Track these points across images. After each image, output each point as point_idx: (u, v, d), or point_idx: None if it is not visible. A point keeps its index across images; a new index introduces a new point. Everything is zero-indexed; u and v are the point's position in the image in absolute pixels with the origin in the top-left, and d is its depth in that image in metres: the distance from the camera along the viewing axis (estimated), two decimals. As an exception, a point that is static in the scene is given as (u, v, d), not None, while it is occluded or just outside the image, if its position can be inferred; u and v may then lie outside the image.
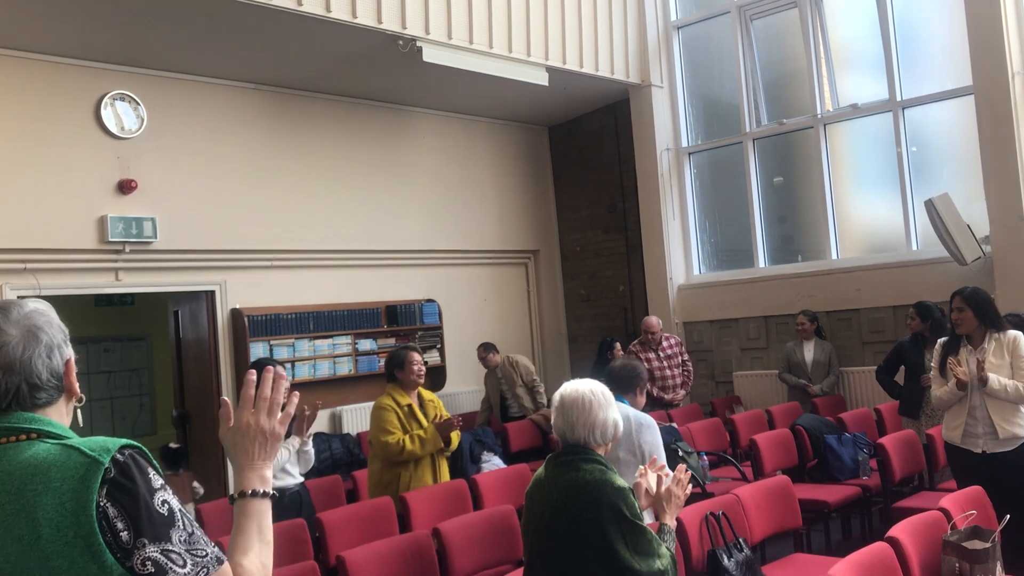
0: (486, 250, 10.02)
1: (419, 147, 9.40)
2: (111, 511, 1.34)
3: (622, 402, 3.95)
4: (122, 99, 7.21)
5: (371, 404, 8.12)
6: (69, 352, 1.56)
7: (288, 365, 7.98)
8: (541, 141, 10.83)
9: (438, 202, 9.48)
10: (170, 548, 1.36)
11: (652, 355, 8.25)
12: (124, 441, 1.42)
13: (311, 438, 5.09)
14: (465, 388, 9.45)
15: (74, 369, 1.56)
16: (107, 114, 7.10)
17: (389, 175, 9.05)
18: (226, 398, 1.67)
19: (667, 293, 9.46)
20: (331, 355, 8.30)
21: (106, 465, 1.36)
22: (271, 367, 1.67)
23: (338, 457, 8.03)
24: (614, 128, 10.14)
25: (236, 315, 7.81)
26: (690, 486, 3.02)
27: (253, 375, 1.65)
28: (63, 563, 1.32)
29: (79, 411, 1.60)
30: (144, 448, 1.44)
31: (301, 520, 4.63)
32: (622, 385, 4.09)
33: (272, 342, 7.89)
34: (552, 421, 2.94)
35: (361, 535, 4.60)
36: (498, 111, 9.95)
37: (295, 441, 4.98)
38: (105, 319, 10.10)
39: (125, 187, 7.13)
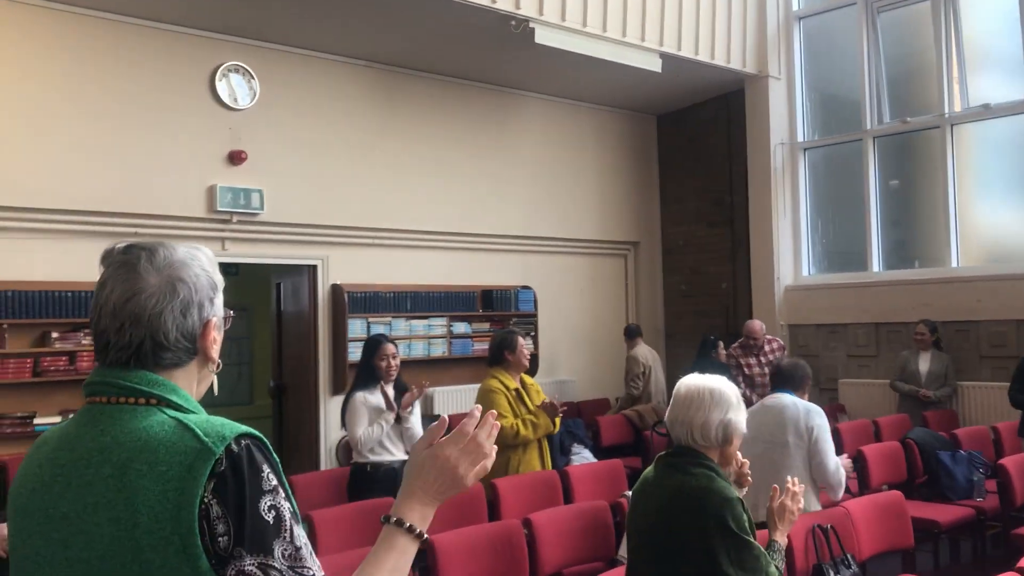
0: (586, 239, 9.85)
1: (524, 131, 9.28)
2: (215, 510, 1.19)
3: (785, 392, 4.49)
4: (236, 71, 7.29)
5: (463, 387, 8.16)
6: (212, 312, 1.40)
7: (384, 343, 7.99)
8: (649, 130, 10.59)
9: (539, 188, 9.35)
10: (270, 563, 1.19)
11: (752, 360, 7.98)
12: (243, 429, 1.26)
13: (412, 415, 5.10)
14: (556, 378, 9.31)
15: (214, 331, 1.40)
16: (221, 85, 7.20)
17: (492, 158, 8.96)
18: (446, 417, 1.49)
19: (773, 293, 9.13)
20: (426, 336, 8.27)
21: (218, 455, 1.21)
22: (493, 411, 1.49)
23: (428, 438, 8.00)
24: (726, 119, 9.83)
25: (336, 290, 7.84)
26: (803, 501, 2.79)
27: (478, 410, 1.46)
28: (156, 558, 1.17)
29: (216, 379, 1.45)
30: (264, 439, 1.28)
31: (391, 499, 4.58)
32: (792, 382, 4.54)
33: (370, 319, 7.89)
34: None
35: (449, 519, 4.52)
36: (606, 97, 9.75)
37: (390, 416, 4.97)
38: (209, 288, 10.30)
39: (235, 158, 7.21)
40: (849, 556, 3.94)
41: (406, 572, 1.38)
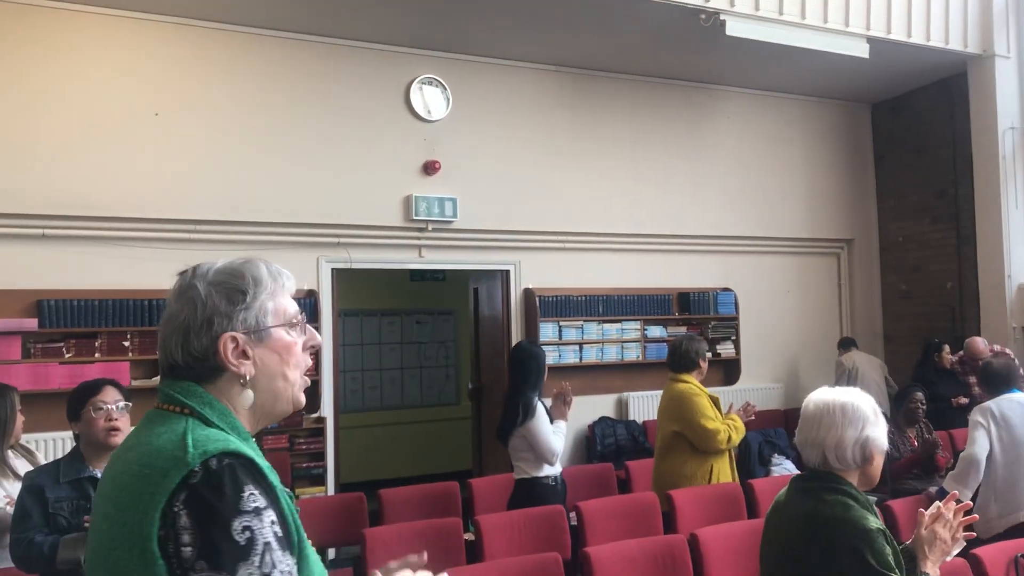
0: (792, 238, 9.37)
1: (721, 127, 8.96)
2: (182, 520, 1.20)
3: (1015, 392, 4.61)
4: (430, 83, 7.53)
5: (659, 392, 8.00)
6: (227, 327, 1.39)
7: (576, 347, 7.99)
8: (861, 120, 9.93)
9: (740, 186, 8.99)
10: None
11: (974, 379, 7.32)
12: (232, 448, 1.27)
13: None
14: (759, 384, 8.91)
15: (229, 346, 1.39)
16: (416, 98, 7.46)
17: (688, 157, 8.72)
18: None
19: (1004, 292, 8.27)
20: (619, 340, 8.17)
21: (192, 467, 1.22)
22: None
23: (623, 443, 7.92)
24: (948, 105, 9.03)
25: (528, 294, 7.92)
26: (962, 533, 2.45)
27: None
28: (123, 556, 1.22)
29: (250, 392, 1.42)
30: (256, 461, 1.29)
31: (561, 507, 4.54)
32: (1013, 380, 4.64)
33: (561, 323, 7.91)
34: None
35: (621, 529, 4.43)
36: (811, 87, 9.23)
37: (562, 424, 4.81)
38: (419, 293, 10.72)
39: (430, 168, 7.45)
40: (1062, 593, 3.48)
41: None
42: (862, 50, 7.71)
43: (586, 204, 8.14)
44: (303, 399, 1.51)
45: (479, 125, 7.71)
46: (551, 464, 4.66)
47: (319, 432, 6.94)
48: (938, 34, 8.04)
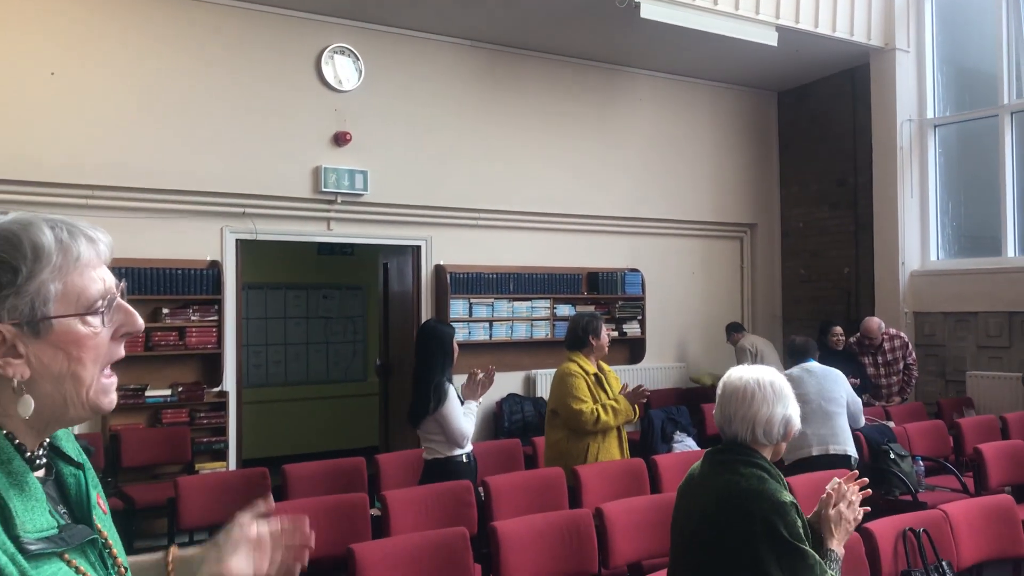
0: (698, 221, 9.55)
1: (633, 110, 9.05)
2: None
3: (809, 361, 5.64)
4: (342, 52, 7.38)
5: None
6: None
7: (486, 325, 8.00)
8: (767, 107, 10.16)
9: (650, 169, 9.11)
10: None
11: (868, 359, 7.63)
12: None
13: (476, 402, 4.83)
14: (663, 363, 9.10)
15: None
16: (327, 67, 7.30)
17: (600, 138, 8.79)
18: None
19: (897, 279, 8.61)
20: (529, 318, 8.21)
21: None
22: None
23: (530, 420, 7.98)
24: (851, 96, 9.31)
25: (439, 271, 7.88)
26: (861, 510, 2.54)
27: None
28: None
29: (25, 399, 1.11)
30: None
31: (468, 482, 4.53)
32: (812, 351, 5.77)
33: (472, 300, 7.90)
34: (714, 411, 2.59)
35: (528, 505, 4.46)
36: (722, 73, 9.40)
37: (473, 405, 4.79)
38: (326, 267, 10.54)
39: (340, 139, 7.31)
40: (944, 564, 3.65)
41: None
42: (771, 38, 7.88)
43: (499, 182, 8.13)
44: (107, 402, 1.18)
45: (392, 98, 7.61)
46: (461, 446, 4.62)
47: (221, 407, 6.77)
48: (843, 25, 8.27)
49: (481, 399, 4.74)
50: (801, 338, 6.03)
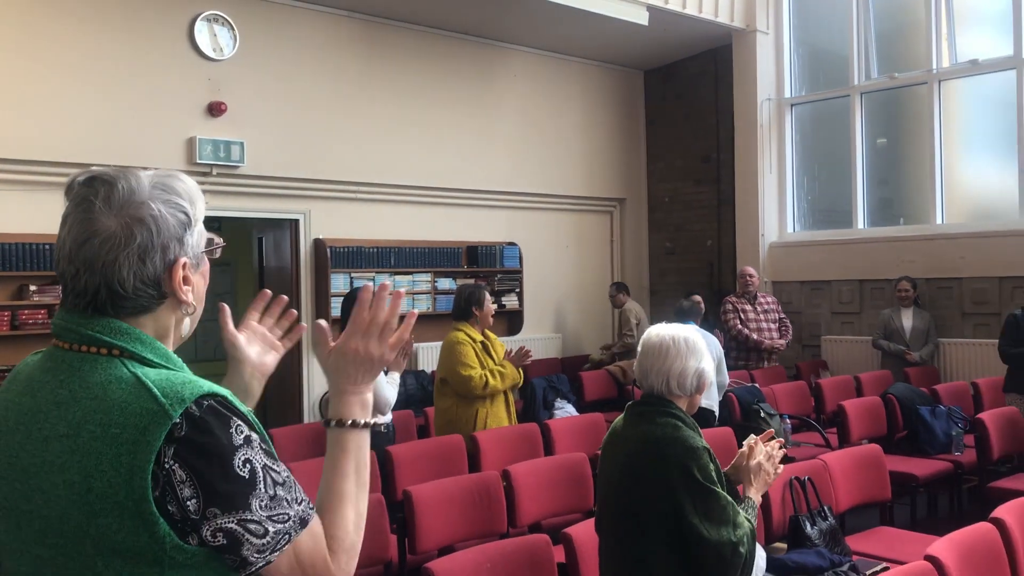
0: (571, 195, 9.78)
1: (509, 85, 9.17)
2: (178, 474, 1.13)
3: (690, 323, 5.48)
4: (215, 20, 7.15)
5: (448, 343, 8.14)
6: (182, 251, 1.27)
7: (367, 298, 7.95)
8: (636, 85, 10.48)
9: (525, 143, 9.26)
10: (248, 517, 1.15)
11: (748, 307, 8.03)
12: (206, 388, 1.19)
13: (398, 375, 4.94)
14: (542, 334, 9.31)
15: (184, 272, 1.28)
16: (200, 35, 7.05)
17: (476, 113, 8.86)
18: (322, 323, 1.43)
19: (758, 250, 9.11)
20: (410, 291, 8.24)
21: (175, 420, 1.14)
22: (386, 283, 1.45)
23: (412, 393, 8.00)
24: (714, 75, 9.73)
25: (319, 245, 7.78)
26: (781, 465, 2.77)
27: (370, 291, 1.42)
28: (112, 523, 1.13)
29: (189, 320, 1.33)
30: (228, 395, 1.22)
31: (371, 452, 4.56)
32: (692, 315, 6.03)
33: (353, 274, 7.85)
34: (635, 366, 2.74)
35: (430, 472, 4.52)
36: (593, 52, 9.63)
37: (396, 376, 4.85)
38: (192, 243, 10.21)
39: (215, 109, 7.10)
40: (826, 508, 3.96)
41: (368, 466, 1.39)
42: (642, 17, 8.14)
43: (379, 155, 8.08)
44: None
45: (269, 68, 7.43)
46: (384, 414, 4.73)
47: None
48: (709, 7, 8.63)
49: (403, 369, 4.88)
50: (688, 302, 6.45)
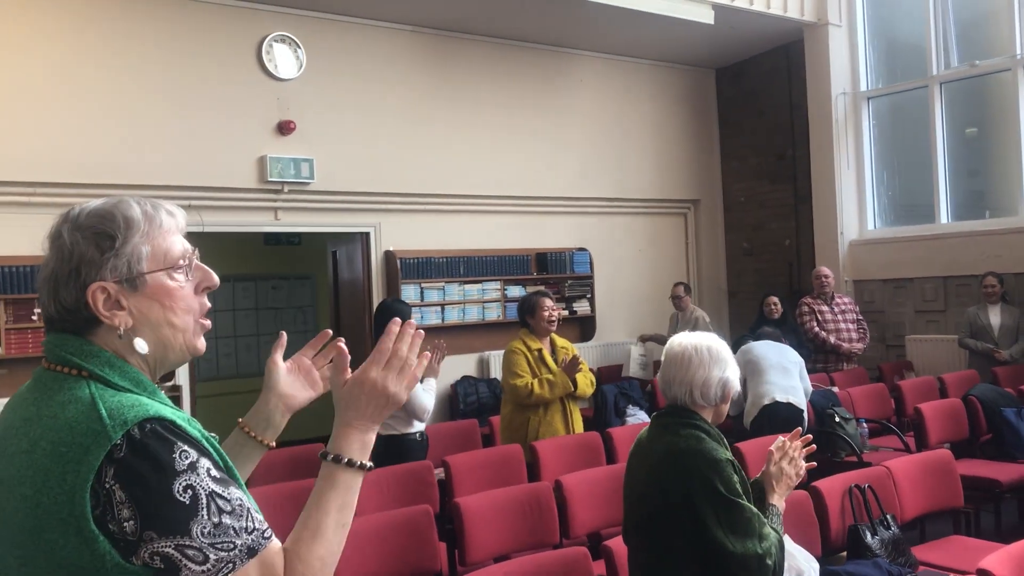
0: (643, 199, 9.70)
1: (576, 91, 9.15)
2: (117, 495, 1.15)
3: None
4: (283, 41, 7.34)
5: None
6: (99, 275, 1.29)
7: (438, 308, 8.05)
8: (707, 84, 10.33)
9: (594, 148, 9.22)
10: (186, 543, 1.16)
11: (825, 308, 7.83)
12: (152, 412, 1.21)
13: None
14: (615, 340, 9.23)
15: (99, 296, 1.29)
16: (268, 56, 7.26)
17: (544, 120, 8.86)
18: (343, 345, 1.47)
19: (837, 248, 8.86)
20: (480, 300, 8.29)
21: (115, 441, 1.16)
22: (412, 321, 1.45)
23: (484, 400, 8.06)
24: (786, 71, 9.52)
25: (389, 257, 7.90)
26: (804, 465, 2.69)
27: (397, 325, 1.42)
28: (58, 539, 1.16)
29: (138, 341, 1.32)
30: (177, 420, 1.24)
31: (428, 462, 4.61)
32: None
33: (423, 285, 7.95)
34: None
35: (487, 481, 4.54)
36: (661, 53, 9.53)
37: (432, 382, 4.89)
38: (273, 257, 10.49)
39: (284, 128, 7.28)
40: (889, 517, 3.82)
41: (353, 507, 1.38)
42: (707, 16, 8.02)
43: (446, 166, 8.17)
44: (200, 344, 1.42)
45: (336, 85, 7.59)
46: (422, 421, 4.81)
47: (175, 400, 6.72)
48: (777, 2, 8.45)
49: (439, 375, 4.90)
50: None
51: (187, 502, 1.18)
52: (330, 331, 1.73)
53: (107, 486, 1.15)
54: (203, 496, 1.20)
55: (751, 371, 5.78)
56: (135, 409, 1.21)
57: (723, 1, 8.05)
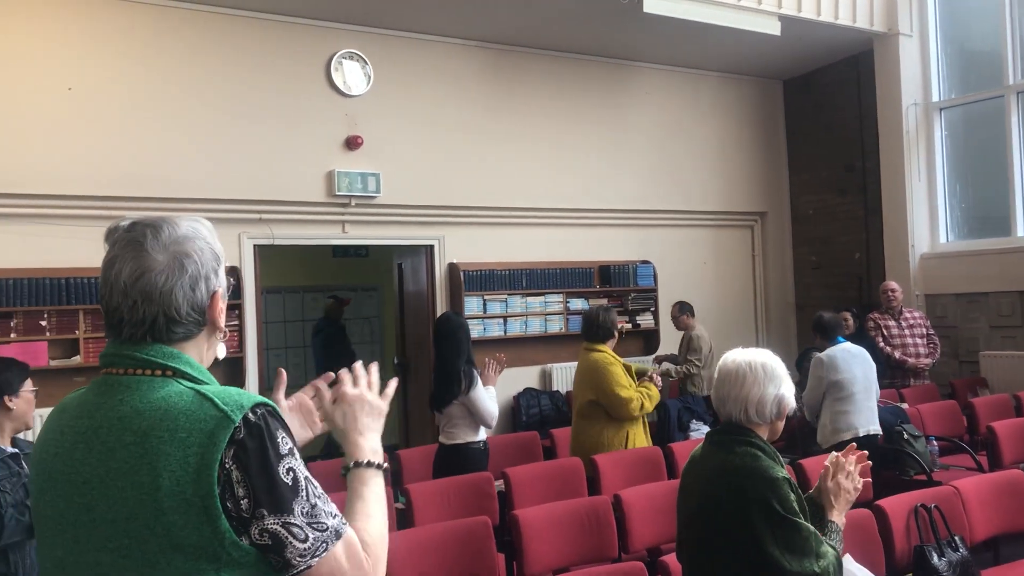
0: (708, 211, 9.62)
1: (640, 103, 9.13)
2: (235, 474, 1.27)
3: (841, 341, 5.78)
4: (351, 58, 7.49)
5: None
6: (218, 283, 1.46)
7: (500, 321, 8.10)
8: (774, 96, 10.22)
9: (658, 160, 9.19)
10: (291, 521, 1.29)
11: (892, 323, 7.68)
12: (258, 398, 1.34)
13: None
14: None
15: (221, 302, 1.47)
16: (337, 72, 7.42)
17: (608, 132, 8.87)
18: (320, 383, 1.74)
19: (908, 262, 8.67)
20: (543, 312, 8.32)
21: (237, 423, 1.29)
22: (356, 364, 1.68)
23: (547, 413, 8.08)
24: (856, 81, 9.36)
25: (453, 269, 7.99)
26: (862, 481, 2.64)
27: (344, 373, 1.65)
28: (178, 519, 1.26)
29: (221, 346, 1.51)
30: (276, 407, 1.37)
31: (488, 474, 4.66)
32: (837, 330, 5.91)
33: (486, 297, 8.01)
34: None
35: (547, 493, 4.56)
36: (727, 64, 9.47)
37: (492, 390, 4.94)
38: (341, 269, 10.68)
39: (352, 143, 7.43)
40: (957, 538, 3.74)
41: (385, 500, 1.54)
42: (774, 27, 7.94)
43: (510, 179, 8.23)
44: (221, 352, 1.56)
45: (401, 100, 7.72)
46: (490, 427, 4.91)
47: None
48: (846, 13, 8.32)
49: (497, 383, 4.97)
50: (829, 314, 6.10)
51: (290, 483, 1.31)
52: (332, 374, 1.79)
53: (227, 466, 1.27)
54: (302, 479, 1.33)
55: (835, 391, 5.56)
56: (243, 395, 1.33)
57: (790, 12, 7.97)
